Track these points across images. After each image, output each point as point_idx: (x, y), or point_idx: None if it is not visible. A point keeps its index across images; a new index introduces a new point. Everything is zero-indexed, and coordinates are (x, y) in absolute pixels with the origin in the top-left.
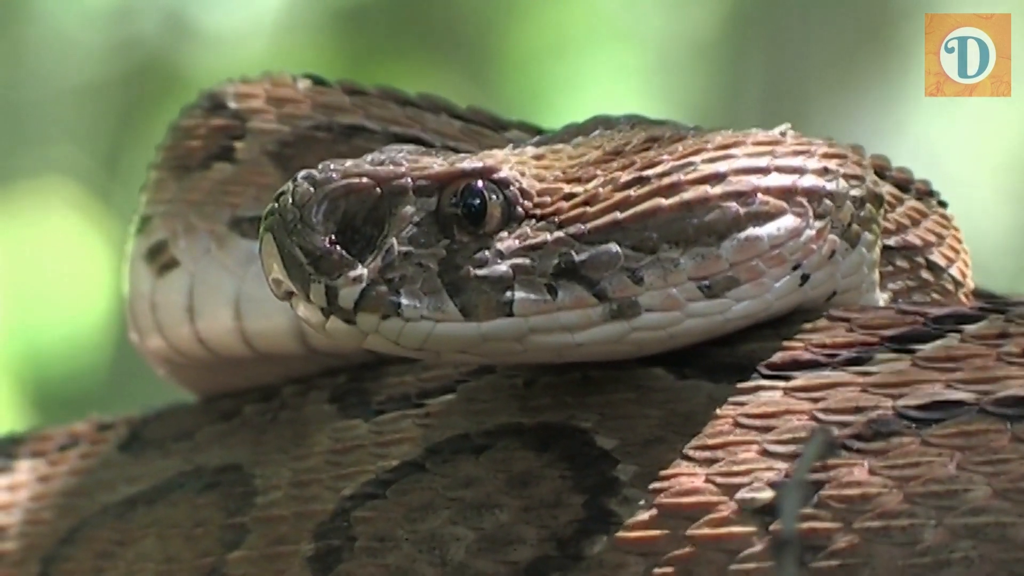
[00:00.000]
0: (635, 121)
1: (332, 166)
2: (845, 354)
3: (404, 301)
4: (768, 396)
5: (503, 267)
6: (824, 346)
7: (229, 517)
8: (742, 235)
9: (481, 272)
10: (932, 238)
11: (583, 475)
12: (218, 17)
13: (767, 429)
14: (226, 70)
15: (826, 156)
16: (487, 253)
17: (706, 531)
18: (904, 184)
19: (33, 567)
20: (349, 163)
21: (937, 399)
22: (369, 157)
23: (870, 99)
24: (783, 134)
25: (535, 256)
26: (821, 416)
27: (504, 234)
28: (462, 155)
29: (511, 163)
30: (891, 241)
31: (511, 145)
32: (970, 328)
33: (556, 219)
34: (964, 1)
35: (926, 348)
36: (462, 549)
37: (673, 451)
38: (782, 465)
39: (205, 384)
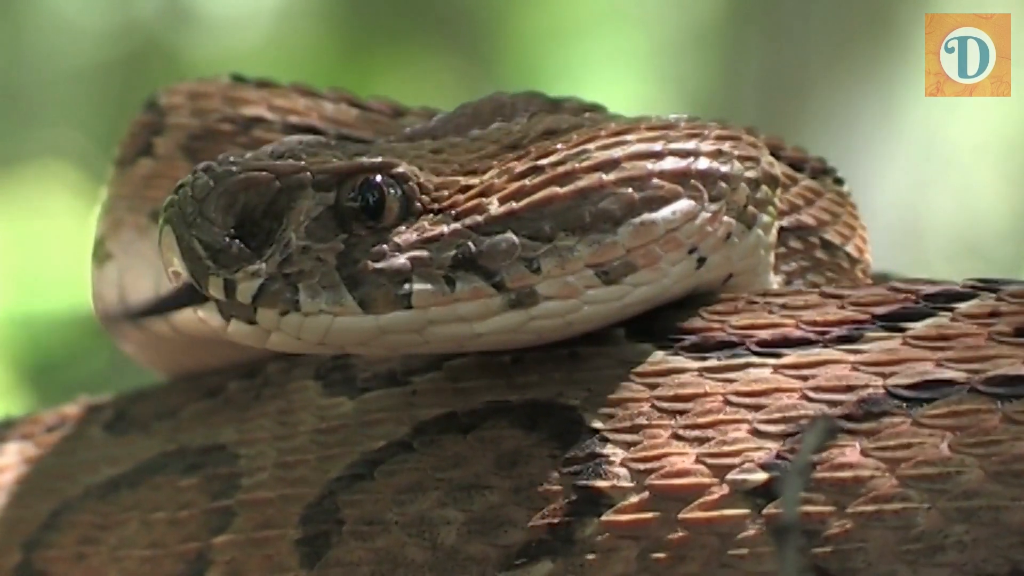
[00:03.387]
0: (533, 107)
1: (231, 159)
2: (836, 332)
3: (302, 296)
4: (758, 373)
5: (401, 260)
6: (815, 323)
7: (214, 500)
8: (637, 220)
9: (379, 265)
10: (827, 217)
11: (572, 455)
12: (218, 1)
13: (757, 408)
14: (225, 54)
15: (720, 138)
16: (385, 247)
17: (698, 514)
18: (799, 163)
19: (15, 554)
20: (249, 156)
21: (928, 378)
22: (269, 149)
23: (869, 83)
24: (678, 119)
25: (433, 248)
26: (811, 395)
27: (402, 228)
28: (361, 148)
29: (409, 157)
30: (785, 222)
31: (407, 133)
32: (961, 307)
33: (453, 211)
34: (962, 1)
35: (917, 327)
36: (452, 532)
37: (663, 430)
38: (773, 445)
39: (171, 365)
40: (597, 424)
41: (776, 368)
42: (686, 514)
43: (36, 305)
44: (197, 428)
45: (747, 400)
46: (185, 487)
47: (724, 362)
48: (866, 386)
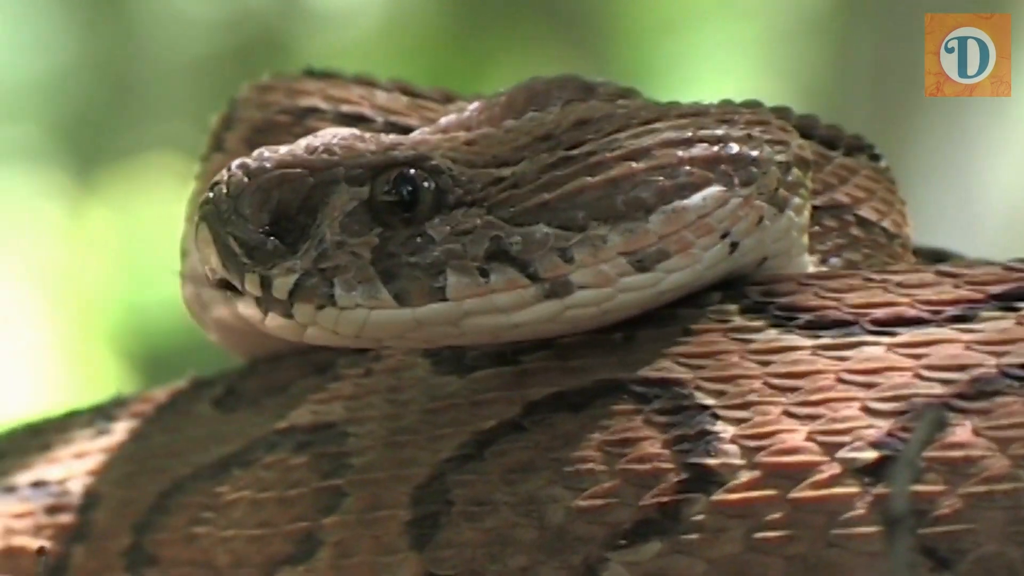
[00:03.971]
0: (567, 93)
1: (266, 154)
2: (950, 311)
3: (338, 290)
4: (871, 352)
5: (435, 253)
6: (929, 302)
7: (324, 479)
8: (669, 207)
9: (413, 258)
10: (861, 194)
11: (682, 433)
12: None
13: (870, 386)
14: (337, 45)
15: (749, 123)
16: (419, 240)
17: (808, 492)
18: (833, 141)
19: (125, 537)
20: (283, 151)
21: None
22: (303, 143)
23: None
24: (708, 106)
25: (466, 241)
26: (924, 373)
27: (436, 220)
28: (395, 140)
29: (443, 149)
30: (818, 201)
31: (442, 124)
32: None
33: (486, 203)
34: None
35: None
36: (560, 511)
37: (774, 408)
38: (884, 423)
39: (254, 351)
40: (708, 401)
41: (890, 347)
42: (796, 492)
43: (148, 295)
44: (307, 405)
45: (859, 378)
46: (295, 466)
47: (838, 340)
48: (979, 365)
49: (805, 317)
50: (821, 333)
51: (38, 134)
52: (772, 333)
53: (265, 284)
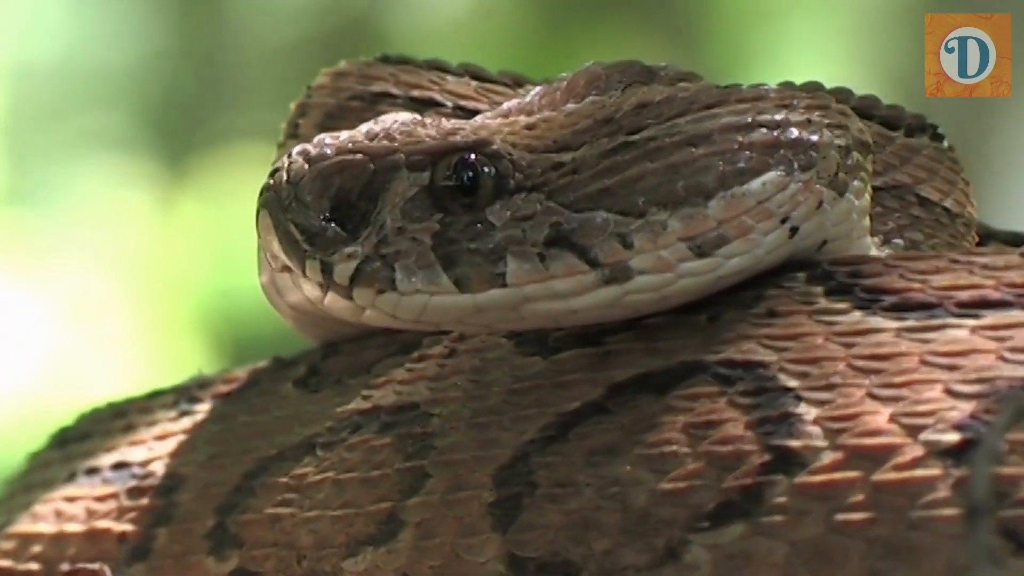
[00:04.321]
0: (628, 78)
1: (327, 140)
2: None
3: (398, 276)
4: (955, 334)
5: (495, 238)
6: (1014, 285)
7: (407, 460)
8: (728, 193)
9: (473, 244)
10: (923, 174)
11: (765, 415)
12: None
13: (953, 368)
14: (425, 30)
15: (809, 108)
16: (479, 225)
17: (891, 475)
18: (894, 121)
19: (209, 519)
20: (343, 137)
21: None
22: (364, 128)
23: None
24: (768, 90)
25: (526, 226)
26: (1008, 356)
27: (496, 206)
28: (456, 125)
29: (503, 134)
30: (879, 182)
31: (504, 108)
32: None
33: (546, 189)
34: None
35: None
36: (644, 493)
37: (858, 389)
38: (966, 406)
39: (327, 335)
40: (792, 383)
41: (974, 329)
42: (878, 475)
43: (236, 281)
44: (391, 385)
45: (943, 360)
46: (379, 446)
47: (922, 322)
48: None
49: (890, 299)
50: (905, 315)
51: (128, 121)
52: (857, 315)
53: (326, 270)
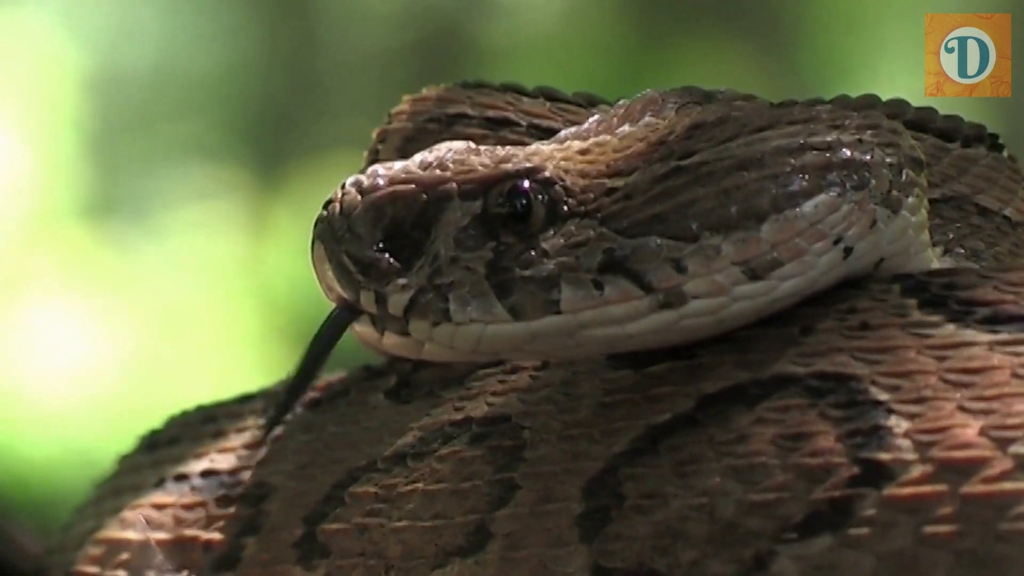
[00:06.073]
0: (683, 101)
1: (380, 171)
2: None
3: (452, 306)
4: None
5: (549, 266)
6: None
7: (497, 472)
8: (781, 216)
9: (527, 272)
10: (982, 183)
11: (856, 427)
12: None
13: None
14: (518, 38)
15: (860, 127)
16: (533, 253)
17: (980, 487)
18: (951, 133)
19: (297, 528)
20: (396, 167)
21: None
22: (418, 158)
23: None
24: (820, 111)
25: (580, 253)
26: None
27: (549, 233)
28: (509, 153)
29: (555, 160)
30: (936, 194)
31: (561, 135)
32: None
33: (599, 215)
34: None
35: None
36: (732, 505)
37: (948, 403)
38: None
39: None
40: (883, 396)
41: None
42: (968, 487)
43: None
44: (483, 397)
45: None
46: (469, 458)
47: (1015, 335)
48: None
49: (983, 312)
50: (999, 328)
51: (220, 130)
52: (950, 328)
53: (380, 301)
